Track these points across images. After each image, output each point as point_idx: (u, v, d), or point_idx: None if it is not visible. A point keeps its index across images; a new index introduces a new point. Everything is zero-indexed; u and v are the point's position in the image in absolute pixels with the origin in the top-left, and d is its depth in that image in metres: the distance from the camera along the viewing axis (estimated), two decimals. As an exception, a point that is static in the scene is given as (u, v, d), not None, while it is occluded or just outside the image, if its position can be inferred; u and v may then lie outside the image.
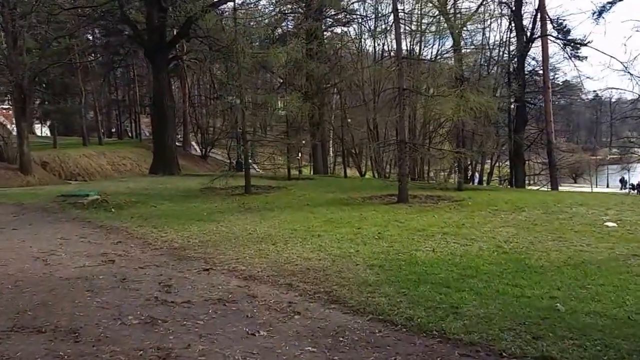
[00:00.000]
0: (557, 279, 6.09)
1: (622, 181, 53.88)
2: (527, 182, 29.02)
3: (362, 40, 35.20)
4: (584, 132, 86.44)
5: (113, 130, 52.36)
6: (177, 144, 37.86)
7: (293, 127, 29.81)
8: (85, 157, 30.45)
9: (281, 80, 29.52)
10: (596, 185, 51.36)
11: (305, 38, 22.03)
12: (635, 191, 47.79)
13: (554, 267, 6.64)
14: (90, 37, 42.45)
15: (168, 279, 6.34)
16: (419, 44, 30.73)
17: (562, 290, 5.66)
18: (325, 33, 31.42)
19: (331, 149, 38.47)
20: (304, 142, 26.97)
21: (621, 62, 25.74)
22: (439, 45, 31.57)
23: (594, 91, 30.35)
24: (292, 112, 19.38)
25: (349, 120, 32.57)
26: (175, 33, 25.65)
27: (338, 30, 34.31)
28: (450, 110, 12.22)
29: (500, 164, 32.91)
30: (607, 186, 54.72)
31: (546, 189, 26.27)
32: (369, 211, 11.93)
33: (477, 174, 30.97)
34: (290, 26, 29.95)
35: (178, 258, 7.56)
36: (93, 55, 41.20)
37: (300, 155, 39.92)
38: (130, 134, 49.51)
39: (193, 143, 42.53)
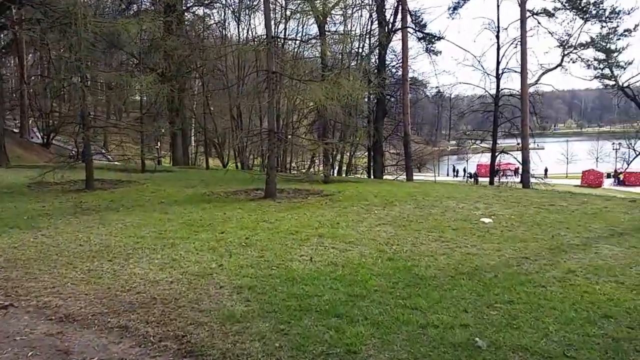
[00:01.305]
0: (458, 295, 5.05)
1: (454, 170, 58.81)
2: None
3: (226, 24, 33.03)
4: (427, 126, 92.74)
5: None
6: (14, 130, 32.65)
7: (149, 113, 26.85)
8: None
9: (137, 61, 26.22)
10: (438, 174, 55.11)
11: (164, 12, 19.45)
12: (472, 179, 52.06)
13: (447, 278, 5.64)
14: None
15: None
16: (283, 32, 29.33)
17: (470, 312, 4.60)
18: (186, 14, 28.72)
19: (193, 137, 35.78)
20: (163, 130, 24.22)
21: (474, 56, 26.86)
22: (302, 34, 30.49)
23: (437, 87, 31.69)
24: (147, 95, 16.91)
25: (212, 107, 30.23)
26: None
27: (200, 11, 31.66)
28: (322, 97, 10.97)
29: (356, 154, 32.94)
30: (447, 175, 59.25)
31: (402, 179, 26.75)
32: (234, 210, 10.27)
33: (335, 165, 30.63)
34: (147, 3, 26.81)
35: (-40, 291, 5.24)
36: None
37: (159, 144, 36.51)
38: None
39: (34, 129, 36.74)
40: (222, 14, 31.90)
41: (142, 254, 6.63)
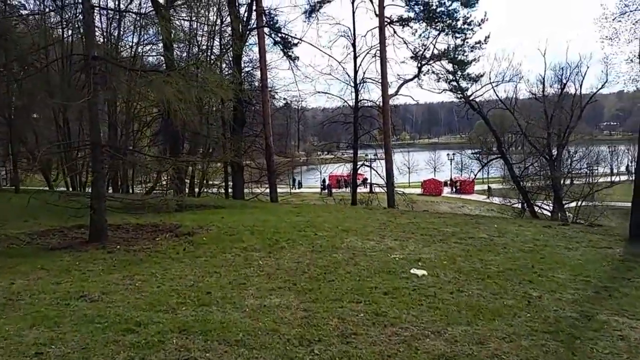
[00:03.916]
0: None
1: (294, 181, 58.04)
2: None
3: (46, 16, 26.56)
4: (278, 136, 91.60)
5: None
6: None
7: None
8: None
9: None
10: (294, 186, 53.75)
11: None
12: (326, 191, 51.33)
13: None
14: None
15: None
16: (117, 30, 23.89)
17: None
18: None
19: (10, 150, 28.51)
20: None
21: (338, 61, 25.08)
22: (140, 33, 25.20)
23: (284, 98, 29.00)
24: None
25: (35, 115, 23.89)
26: None
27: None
28: (173, 96, 7.47)
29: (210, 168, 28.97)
30: (300, 186, 58.16)
31: (263, 196, 23.81)
32: (32, 272, 6.28)
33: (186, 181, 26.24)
34: None
35: None
36: None
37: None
38: None
39: None
40: (41, 4, 25.39)
41: None
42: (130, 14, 14.33)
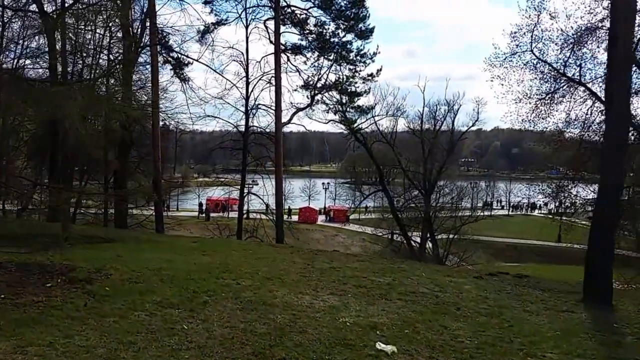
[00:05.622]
0: None
1: (164, 203, 54.38)
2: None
3: None
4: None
5: None
6: None
7: None
8: None
9: None
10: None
11: None
12: (204, 215, 49.05)
13: None
14: None
15: None
16: None
17: None
18: None
19: None
20: None
21: (233, 83, 23.86)
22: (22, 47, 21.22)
23: (163, 120, 25.82)
24: None
25: None
26: None
27: None
28: (76, 112, 5.90)
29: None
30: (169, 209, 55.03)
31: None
32: None
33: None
34: None
35: None
36: None
37: None
38: None
39: None
40: None
41: None
42: (17, 17, 11.70)
